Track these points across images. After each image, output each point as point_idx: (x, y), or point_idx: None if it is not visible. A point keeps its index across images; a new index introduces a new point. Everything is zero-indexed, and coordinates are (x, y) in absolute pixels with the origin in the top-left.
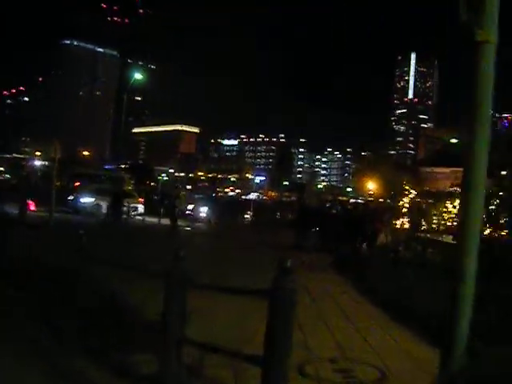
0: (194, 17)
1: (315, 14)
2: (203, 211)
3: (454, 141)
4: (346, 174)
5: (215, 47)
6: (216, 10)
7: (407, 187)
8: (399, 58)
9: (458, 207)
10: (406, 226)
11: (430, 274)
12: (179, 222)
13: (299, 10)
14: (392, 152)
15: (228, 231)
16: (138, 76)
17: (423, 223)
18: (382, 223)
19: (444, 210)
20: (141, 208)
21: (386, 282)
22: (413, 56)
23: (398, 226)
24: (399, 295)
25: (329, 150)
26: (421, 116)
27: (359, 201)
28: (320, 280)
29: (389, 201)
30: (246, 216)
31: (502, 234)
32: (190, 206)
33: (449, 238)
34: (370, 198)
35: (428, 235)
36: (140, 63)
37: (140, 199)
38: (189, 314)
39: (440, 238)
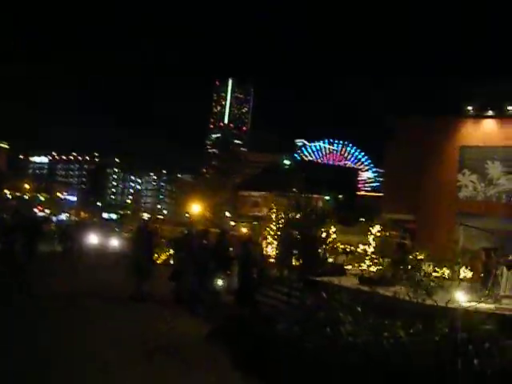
0: None
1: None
2: None
3: (287, 162)
4: (161, 197)
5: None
6: None
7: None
8: (217, 82)
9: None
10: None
11: None
12: None
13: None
14: (209, 175)
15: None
16: None
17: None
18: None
19: None
20: None
21: None
22: (230, 82)
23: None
24: None
25: (150, 173)
26: (236, 141)
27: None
28: None
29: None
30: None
31: None
32: None
33: None
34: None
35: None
36: None
37: None
38: None
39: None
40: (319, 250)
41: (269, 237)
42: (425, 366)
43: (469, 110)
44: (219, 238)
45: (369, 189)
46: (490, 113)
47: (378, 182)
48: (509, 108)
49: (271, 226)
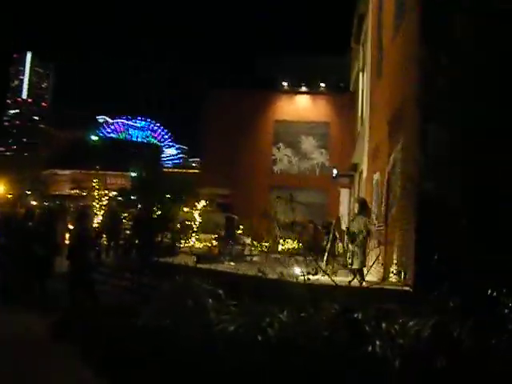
0: None
1: None
2: None
3: (94, 138)
4: None
5: None
6: None
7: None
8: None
9: None
10: None
11: None
12: None
13: None
14: (8, 153)
15: None
16: None
17: None
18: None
19: None
20: None
21: None
22: (29, 55)
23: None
24: None
25: None
26: (35, 117)
27: None
28: None
29: None
30: None
31: None
32: None
33: None
34: None
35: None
36: None
37: None
38: None
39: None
40: (151, 230)
41: (94, 217)
42: (320, 351)
43: (283, 85)
44: (43, 219)
45: (171, 165)
46: (304, 89)
47: (181, 158)
48: (321, 84)
49: (94, 204)
